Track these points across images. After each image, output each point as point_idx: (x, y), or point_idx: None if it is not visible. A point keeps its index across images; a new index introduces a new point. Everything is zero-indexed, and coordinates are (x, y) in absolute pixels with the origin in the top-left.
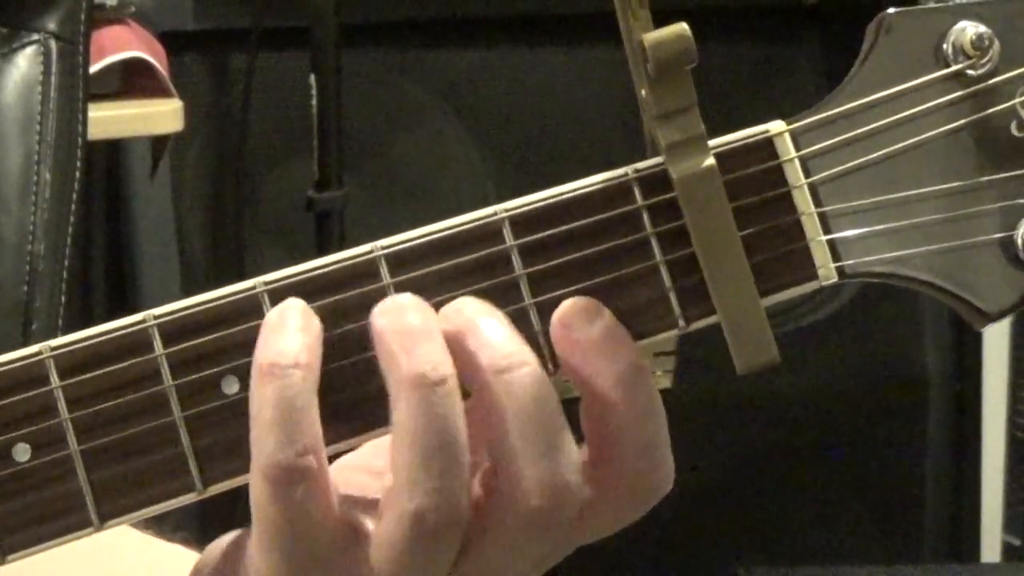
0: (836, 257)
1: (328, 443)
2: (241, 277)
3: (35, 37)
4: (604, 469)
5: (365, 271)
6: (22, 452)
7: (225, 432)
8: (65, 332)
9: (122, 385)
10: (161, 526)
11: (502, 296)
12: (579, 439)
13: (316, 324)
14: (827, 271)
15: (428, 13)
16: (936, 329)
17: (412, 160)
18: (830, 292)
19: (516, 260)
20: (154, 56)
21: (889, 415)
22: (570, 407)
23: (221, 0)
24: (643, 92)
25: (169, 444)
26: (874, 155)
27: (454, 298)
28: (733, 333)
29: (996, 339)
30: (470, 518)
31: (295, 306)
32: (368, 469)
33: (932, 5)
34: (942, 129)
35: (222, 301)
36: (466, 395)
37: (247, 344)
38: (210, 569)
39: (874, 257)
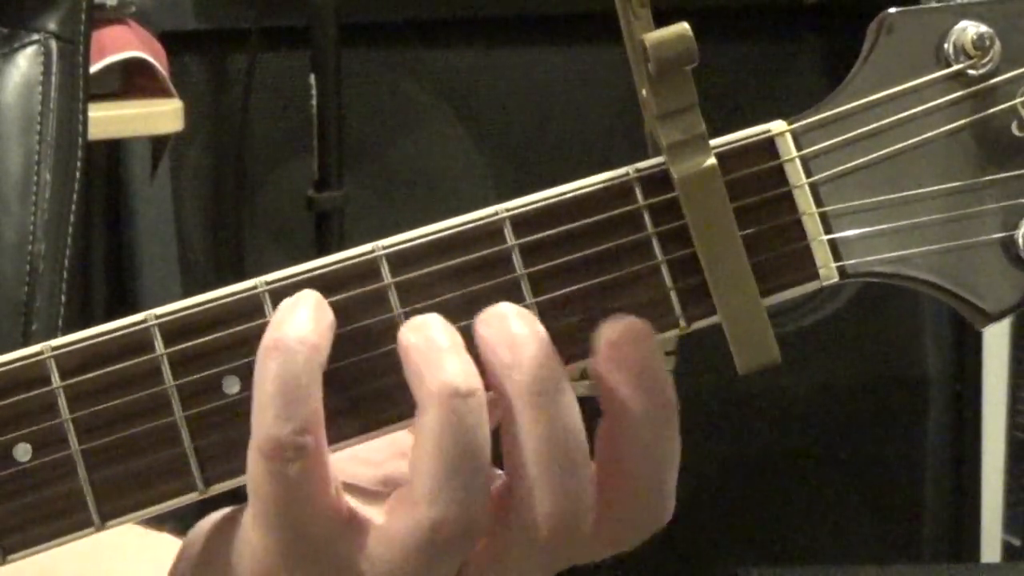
0: (837, 257)
1: (328, 443)
2: (241, 277)
3: (35, 37)
4: (608, 493)
5: (366, 271)
6: (23, 452)
7: (226, 432)
8: (65, 332)
9: (123, 385)
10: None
11: (503, 296)
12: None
13: (328, 313)
14: (828, 271)
15: (428, 13)
16: (936, 329)
17: (412, 160)
18: (831, 292)
19: (517, 260)
20: (154, 56)
21: (889, 415)
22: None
23: (221, 0)
24: (644, 92)
25: (170, 444)
26: (875, 155)
27: (456, 298)
28: (734, 333)
29: (996, 339)
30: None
31: (310, 294)
32: (367, 460)
33: (933, 5)
34: (943, 129)
35: (223, 301)
36: None
37: (248, 344)
38: (201, 542)
39: (875, 257)
